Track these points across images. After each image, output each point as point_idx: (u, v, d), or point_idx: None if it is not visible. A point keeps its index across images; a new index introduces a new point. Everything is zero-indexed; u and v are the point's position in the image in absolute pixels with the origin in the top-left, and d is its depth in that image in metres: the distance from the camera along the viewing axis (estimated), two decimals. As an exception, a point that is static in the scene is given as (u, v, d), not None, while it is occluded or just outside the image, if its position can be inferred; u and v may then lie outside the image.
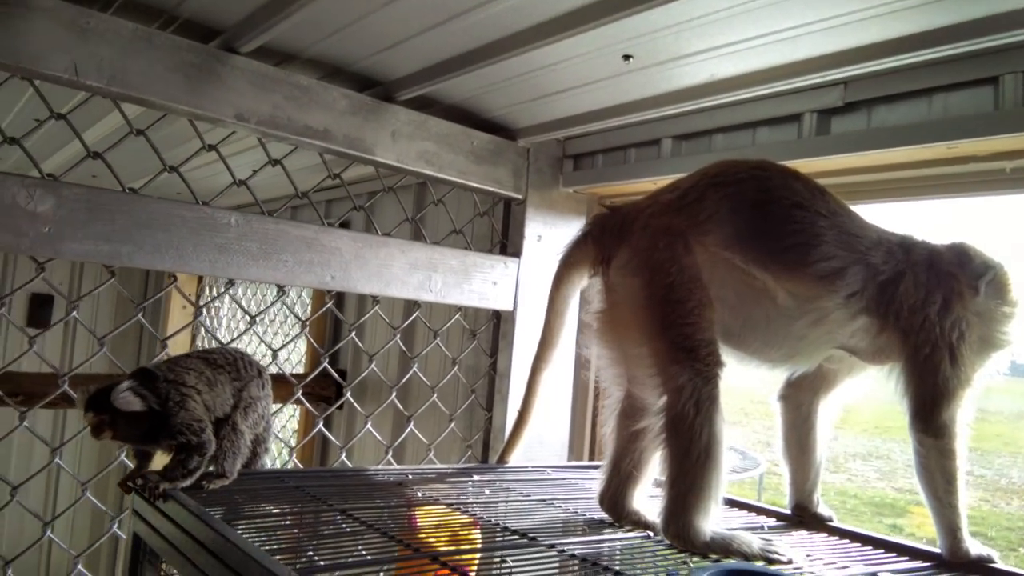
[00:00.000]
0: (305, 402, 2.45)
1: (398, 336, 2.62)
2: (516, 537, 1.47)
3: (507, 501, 1.77)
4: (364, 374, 2.61)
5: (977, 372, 1.57)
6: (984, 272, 1.59)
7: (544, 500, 1.80)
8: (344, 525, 1.44)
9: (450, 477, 1.96)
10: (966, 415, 1.55)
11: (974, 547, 1.52)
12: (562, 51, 1.98)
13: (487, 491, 1.85)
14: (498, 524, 1.53)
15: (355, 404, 2.57)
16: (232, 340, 4.98)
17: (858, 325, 1.59)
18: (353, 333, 2.58)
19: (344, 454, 2.51)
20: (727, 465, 1.49)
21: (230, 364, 1.76)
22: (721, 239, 1.57)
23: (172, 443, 1.60)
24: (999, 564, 1.52)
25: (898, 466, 14.49)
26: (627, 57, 1.98)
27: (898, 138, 1.86)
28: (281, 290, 2.39)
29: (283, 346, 2.67)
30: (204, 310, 5.45)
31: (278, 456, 4.02)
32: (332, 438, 2.66)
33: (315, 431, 2.61)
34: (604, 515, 1.69)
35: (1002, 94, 1.70)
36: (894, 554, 1.60)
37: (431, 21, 1.93)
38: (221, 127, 2.14)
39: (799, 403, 1.80)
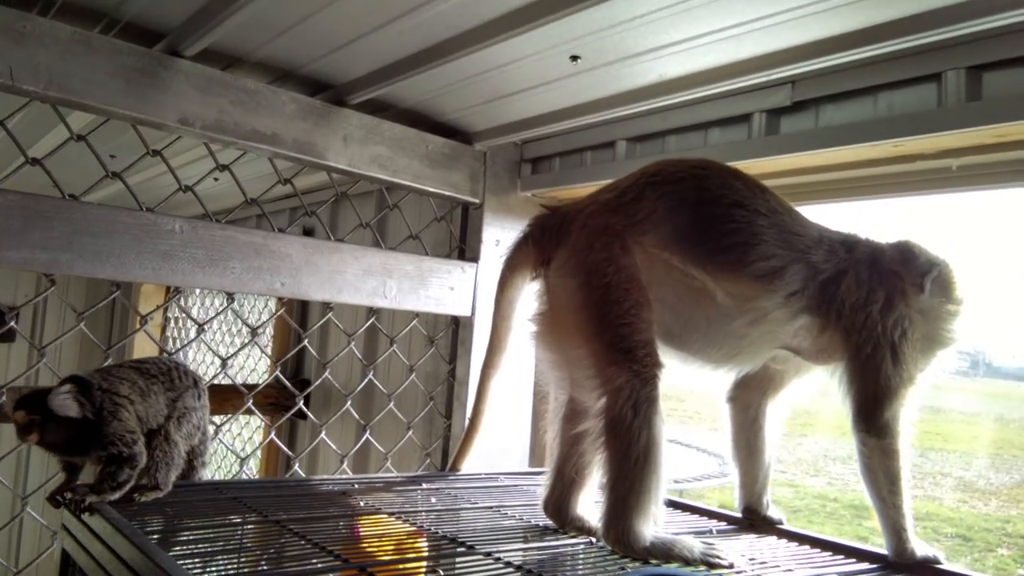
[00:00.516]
0: (257, 411, 2.40)
1: (353, 343, 2.58)
2: (454, 546, 1.44)
3: (453, 509, 1.74)
4: (318, 383, 2.57)
5: (921, 371, 1.56)
6: (928, 269, 1.58)
7: (491, 507, 1.77)
8: (281, 538, 1.40)
9: (398, 486, 1.93)
10: (910, 414, 1.53)
11: (920, 548, 1.50)
12: (510, 51, 1.96)
13: (433, 499, 1.82)
14: (437, 532, 1.50)
15: (309, 413, 2.53)
16: (178, 350, 4.92)
17: (799, 324, 1.57)
18: (307, 340, 2.54)
19: (297, 464, 2.47)
20: (667, 468, 1.46)
21: (164, 374, 1.72)
22: (659, 239, 1.55)
23: (102, 454, 1.55)
24: (945, 565, 1.51)
25: (879, 469, 14.56)
26: (575, 58, 1.96)
27: (845, 137, 1.85)
28: (230, 297, 2.35)
29: (232, 355, 2.62)
30: (173, 320, 5.40)
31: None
32: (284, 448, 2.61)
33: (266, 440, 2.57)
34: (550, 522, 1.66)
35: (945, 91, 1.69)
36: (842, 556, 1.59)
37: (377, 21, 1.90)
38: (165, 132, 2.10)
39: (747, 404, 1.78)
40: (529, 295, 1.74)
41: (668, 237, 1.55)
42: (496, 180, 2.69)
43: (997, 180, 1.84)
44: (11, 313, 2.18)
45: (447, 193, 2.59)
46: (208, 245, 2.11)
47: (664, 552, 1.43)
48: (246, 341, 4.10)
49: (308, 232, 3.61)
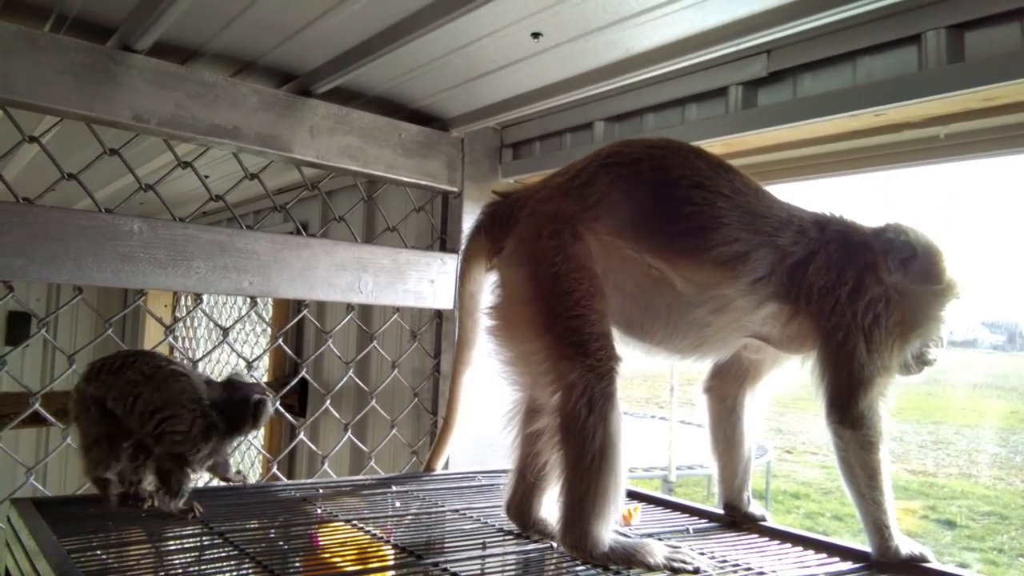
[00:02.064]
0: (286, 413, 2.33)
1: (331, 341, 2.51)
2: (403, 555, 1.36)
3: (415, 513, 1.66)
4: (294, 382, 2.50)
5: (900, 357, 1.45)
6: (906, 251, 1.47)
7: (457, 510, 1.70)
8: (218, 551, 1.34)
9: (365, 489, 1.86)
10: (887, 403, 1.43)
11: (905, 545, 1.40)
12: (469, 30, 1.87)
13: (397, 503, 1.74)
14: (387, 540, 1.43)
15: (285, 414, 2.47)
16: (201, 357, 4.91)
17: (767, 312, 1.47)
18: (281, 339, 2.48)
19: (275, 467, 2.41)
20: (625, 467, 1.37)
21: None
22: (613, 225, 1.45)
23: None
24: (933, 564, 1.40)
25: (911, 447, 14.32)
26: (536, 35, 1.87)
27: (824, 107, 1.74)
28: (253, 301, 2.31)
29: (258, 357, 2.56)
30: (182, 323, 5.39)
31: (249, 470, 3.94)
32: (261, 451, 2.56)
33: (296, 442, 2.50)
34: (513, 525, 1.58)
35: (925, 53, 1.58)
36: (824, 555, 1.50)
37: (323, 5, 1.82)
38: (119, 130, 2.04)
39: (724, 396, 1.68)
40: (488, 287, 1.65)
41: (622, 222, 1.45)
42: (475, 167, 2.60)
43: (989, 148, 1.71)
44: (42, 320, 2.14)
45: (423, 182, 2.50)
46: (169, 245, 2.05)
47: (624, 558, 1.34)
48: (256, 342, 4.08)
49: (303, 227, 3.55)
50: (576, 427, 1.34)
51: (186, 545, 1.37)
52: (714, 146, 1.99)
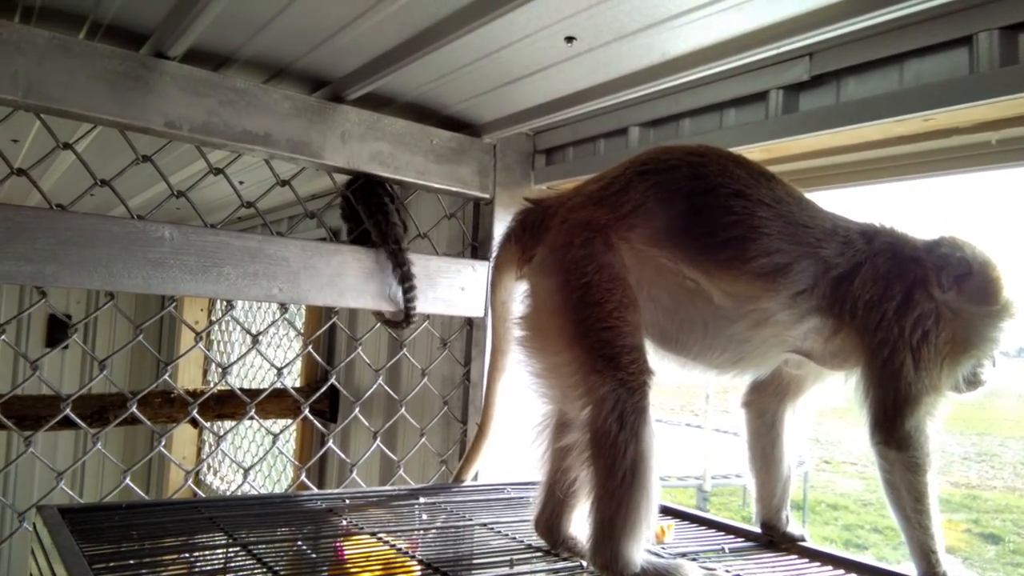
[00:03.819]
0: (314, 419, 2.32)
1: (360, 348, 2.49)
2: (429, 571, 1.33)
3: (442, 527, 1.63)
4: (324, 388, 2.48)
5: (949, 377, 1.38)
6: (960, 268, 1.40)
7: (485, 524, 1.66)
8: (241, 562, 1.31)
9: (392, 500, 1.83)
10: (936, 424, 1.36)
11: (953, 571, 1.33)
12: (501, 34, 1.83)
13: (424, 516, 1.71)
14: (413, 555, 1.39)
15: (315, 421, 2.45)
16: (231, 364, 4.93)
17: (809, 326, 1.41)
18: (311, 346, 2.46)
19: (304, 474, 2.39)
20: (658, 484, 1.32)
21: None
22: (648, 234, 1.41)
23: None
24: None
25: (954, 459, 14.00)
26: (570, 39, 1.83)
27: (869, 112, 1.67)
28: (283, 307, 2.32)
29: (288, 363, 2.56)
30: (217, 328, 5.43)
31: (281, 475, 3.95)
32: (288, 457, 2.54)
33: (324, 449, 2.47)
34: (542, 541, 1.54)
35: (977, 56, 1.51)
36: (867, 579, 1.43)
37: (350, 12, 1.80)
38: (152, 136, 2.04)
39: (763, 411, 1.62)
40: (519, 296, 1.61)
41: (658, 231, 1.41)
42: (507, 174, 2.56)
43: (1044, 153, 1.64)
44: (73, 326, 2.15)
45: (455, 189, 2.47)
46: (200, 252, 2.04)
47: None
48: (288, 348, 4.08)
49: (336, 235, 3.54)
50: (607, 443, 1.30)
51: (208, 556, 1.34)
52: (753, 152, 1.93)
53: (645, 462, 1.30)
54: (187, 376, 5.03)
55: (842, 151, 1.89)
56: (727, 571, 1.38)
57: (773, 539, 1.62)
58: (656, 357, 1.47)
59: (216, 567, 1.31)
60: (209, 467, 4.68)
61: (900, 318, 1.36)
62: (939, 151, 1.76)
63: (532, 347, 1.45)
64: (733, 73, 1.93)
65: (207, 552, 1.38)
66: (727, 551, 1.56)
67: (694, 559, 1.48)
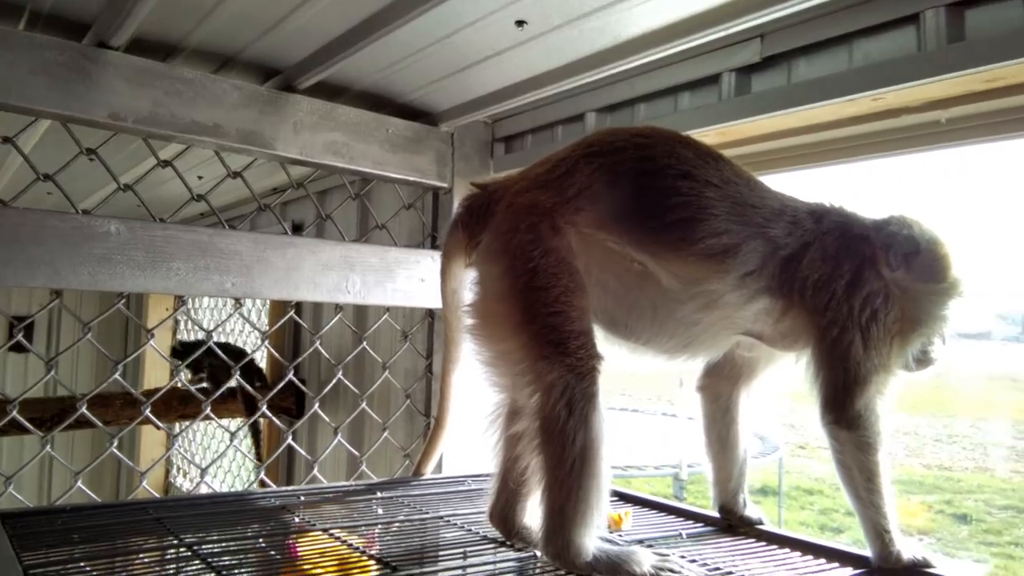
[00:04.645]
0: (272, 417, 2.28)
1: (318, 342, 2.45)
2: (378, 567, 1.30)
3: (397, 521, 1.60)
4: (281, 384, 2.44)
5: (899, 355, 1.38)
6: (908, 246, 1.39)
7: (442, 517, 1.63)
8: (185, 566, 1.28)
9: (349, 496, 1.80)
10: (887, 403, 1.36)
11: (907, 550, 1.33)
12: (451, 17, 1.80)
13: (380, 510, 1.68)
14: (365, 551, 1.37)
15: (273, 419, 2.41)
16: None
17: (758, 308, 1.40)
18: (268, 341, 2.42)
19: (265, 473, 2.35)
20: (609, 471, 1.30)
21: None
22: (594, 217, 1.38)
23: None
24: (936, 569, 1.33)
25: (926, 441, 14.16)
26: (520, 23, 1.81)
27: (820, 92, 1.67)
28: (238, 303, 2.30)
29: (245, 361, 2.51)
30: (182, 324, 5.35)
31: (240, 469, 3.89)
32: (246, 454, 2.50)
33: (283, 447, 2.43)
34: (497, 532, 1.52)
35: (924, 34, 1.51)
36: (823, 560, 1.43)
37: (296, -4, 1.77)
38: (96, 129, 1.99)
39: (717, 395, 1.61)
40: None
41: (604, 215, 1.38)
42: (466, 162, 2.54)
43: (992, 132, 1.64)
44: (19, 326, 2.09)
45: (413, 178, 2.44)
46: (148, 246, 1.99)
47: (609, 567, 1.27)
48: (247, 343, 4.03)
49: (297, 229, 3.49)
50: (556, 430, 1.28)
51: (148, 560, 1.30)
52: (708, 135, 1.92)
53: (595, 449, 1.28)
54: (154, 376, 4.95)
55: (795, 133, 1.88)
56: (682, 556, 1.37)
57: (731, 523, 1.62)
58: (606, 343, 1.45)
59: (160, 569, 1.28)
60: (179, 469, 4.62)
61: (849, 297, 1.35)
62: (890, 131, 1.75)
63: (481, 335, 1.43)
64: (686, 56, 1.92)
65: (151, 554, 1.34)
66: (684, 536, 1.55)
67: (650, 545, 1.46)
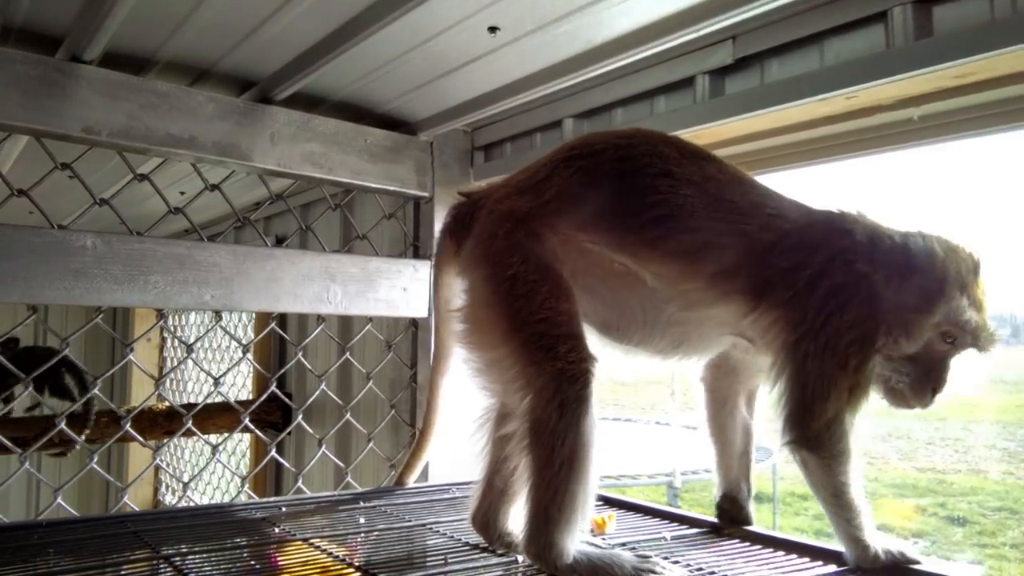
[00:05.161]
0: (255, 429, 2.26)
1: (300, 353, 2.44)
2: (359, 574, 1.29)
3: (379, 530, 1.59)
4: (263, 397, 2.43)
5: (872, 366, 1.32)
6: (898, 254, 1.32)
7: (424, 525, 1.62)
8: None
9: (332, 506, 1.79)
10: (859, 420, 1.32)
11: (884, 549, 1.31)
12: (424, 25, 1.80)
13: (362, 520, 1.67)
14: (344, 560, 1.35)
15: (258, 432, 2.40)
16: (169, 371, 4.83)
17: (733, 308, 1.37)
18: (259, 357, 2.41)
19: (249, 486, 2.34)
20: (596, 475, 1.30)
21: None
22: (574, 220, 1.38)
23: None
24: (921, 566, 1.32)
25: (919, 445, 14.18)
26: (493, 29, 1.81)
27: (792, 92, 1.68)
28: (218, 316, 2.28)
29: (223, 373, 2.49)
30: (169, 341, 5.32)
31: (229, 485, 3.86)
32: (229, 468, 2.48)
33: (267, 459, 2.41)
34: (471, 538, 1.51)
35: (892, 30, 1.52)
36: (807, 559, 1.42)
37: (271, 2, 1.76)
38: (70, 143, 1.98)
39: (716, 389, 1.61)
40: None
41: (584, 217, 1.38)
42: (446, 171, 2.54)
43: (965, 128, 1.65)
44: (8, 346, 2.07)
45: (393, 188, 2.44)
46: (125, 260, 1.98)
47: (590, 570, 1.27)
48: (235, 359, 4.01)
49: (280, 242, 3.48)
50: (545, 431, 1.27)
51: (125, 573, 1.29)
52: (684, 138, 1.93)
53: (583, 452, 1.27)
54: (141, 393, 4.91)
55: (770, 134, 1.89)
56: (665, 558, 1.36)
57: (730, 513, 1.60)
58: (601, 346, 1.44)
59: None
60: (167, 487, 4.58)
61: (813, 298, 1.30)
62: (864, 130, 1.76)
63: (471, 342, 1.42)
64: (660, 60, 1.92)
65: (128, 567, 1.32)
66: (668, 539, 1.54)
67: (633, 548, 1.45)
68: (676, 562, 1.37)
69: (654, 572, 1.27)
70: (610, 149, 1.43)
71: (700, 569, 1.35)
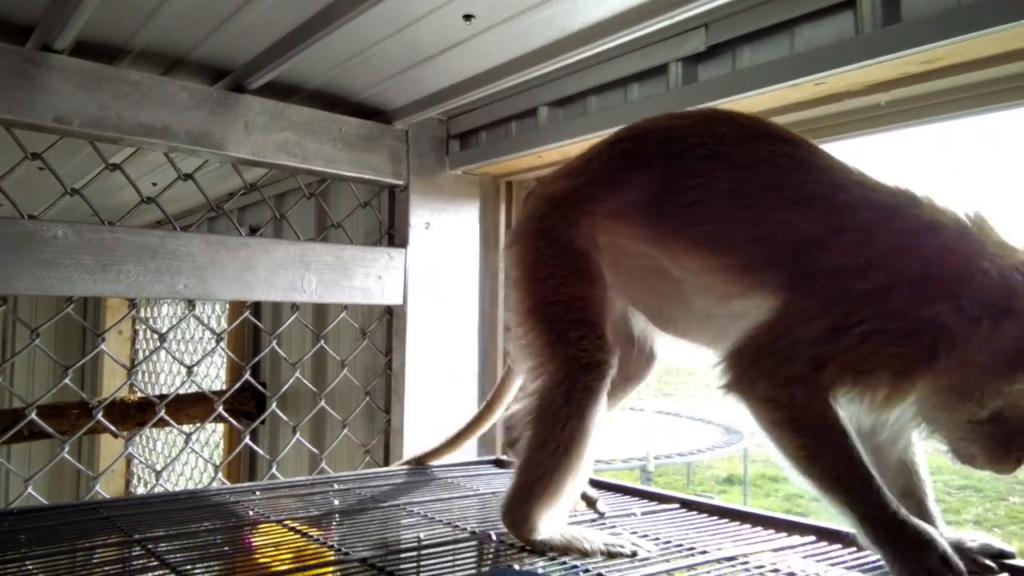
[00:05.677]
0: (229, 418, 2.26)
1: (275, 342, 2.44)
2: (333, 552, 1.30)
3: (354, 510, 1.60)
4: (236, 386, 2.43)
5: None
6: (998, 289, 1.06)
7: (399, 505, 1.66)
8: (137, 563, 1.27)
9: (306, 489, 1.79)
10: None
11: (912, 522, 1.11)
12: (400, 12, 1.80)
13: (336, 501, 1.68)
14: (317, 539, 1.36)
15: (229, 419, 2.39)
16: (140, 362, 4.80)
17: (760, 302, 1.22)
18: (232, 345, 2.40)
19: (222, 473, 2.33)
20: (588, 468, 1.32)
21: None
22: (614, 206, 1.34)
23: None
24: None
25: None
26: (468, 17, 1.81)
27: (763, 78, 1.70)
28: (191, 305, 2.28)
29: (197, 363, 2.47)
30: (141, 333, 5.27)
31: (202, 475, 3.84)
32: (203, 457, 2.48)
33: (240, 447, 2.41)
34: (453, 516, 1.52)
35: (861, 17, 1.54)
36: (772, 530, 1.45)
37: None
38: (41, 133, 1.96)
39: None
40: None
41: (616, 204, 1.34)
42: (421, 160, 2.54)
43: (932, 113, 1.67)
44: None
45: (368, 176, 2.44)
46: (97, 250, 1.97)
47: (563, 545, 1.30)
48: (208, 349, 3.99)
49: (253, 232, 3.46)
50: (548, 413, 1.29)
51: (98, 560, 1.28)
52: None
53: (581, 440, 1.28)
54: (112, 384, 4.86)
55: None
56: (634, 532, 1.38)
57: (687, 503, 1.63)
58: (660, 336, 1.45)
59: (110, 568, 1.26)
60: (139, 479, 4.55)
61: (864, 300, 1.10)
62: (834, 116, 1.79)
63: (511, 315, 1.44)
64: (633, 47, 1.94)
65: (102, 552, 1.32)
66: (639, 514, 1.57)
67: (603, 524, 1.48)
68: (645, 535, 1.39)
69: (622, 545, 1.29)
70: (659, 131, 1.38)
71: (668, 542, 1.38)
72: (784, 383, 1.12)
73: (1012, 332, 1.03)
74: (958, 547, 1.15)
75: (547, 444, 1.29)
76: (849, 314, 1.09)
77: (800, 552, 1.31)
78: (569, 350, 1.30)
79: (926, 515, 1.24)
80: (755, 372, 1.15)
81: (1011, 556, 1.17)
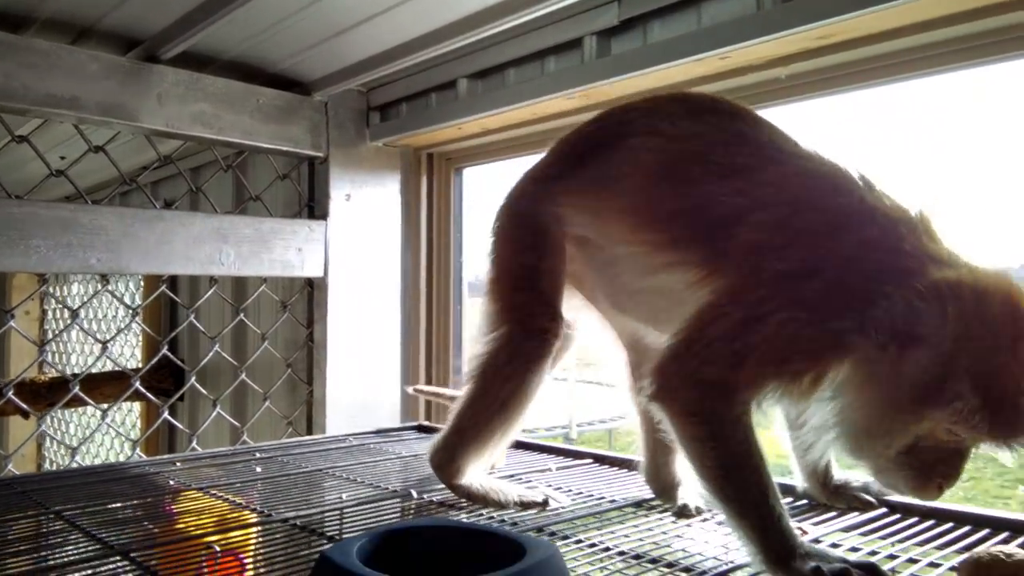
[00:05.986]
0: (149, 395, 2.22)
1: (192, 316, 2.42)
2: (257, 516, 1.32)
3: (275, 476, 1.62)
4: (154, 361, 2.40)
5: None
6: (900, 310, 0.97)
7: (321, 470, 1.69)
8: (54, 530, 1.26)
9: (228, 459, 1.80)
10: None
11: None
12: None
13: (258, 468, 1.70)
14: (239, 503, 1.39)
15: (147, 394, 2.37)
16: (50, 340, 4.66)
17: (680, 277, 1.17)
18: (148, 321, 2.37)
19: (137, 449, 2.31)
20: (519, 428, 1.37)
21: None
22: (571, 184, 1.36)
23: None
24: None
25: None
26: (387, -14, 1.82)
27: (672, 52, 1.77)
28: (104, 280, 2.21)
29: (111, 339, 2.43)
30: (50, 312, 5.10)
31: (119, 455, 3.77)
32: (121, 432, 2.45)
33: (157, 423, 2.38)
34: (376, 480, 1.56)
35: (762, -6, 1.62)
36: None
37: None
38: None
39: None
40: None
41: (578, 181, 1.35)
42: (342, 131, 2.54)
43: (828, 86, 1.77)
44: None
45: (286, 148, 2.42)
46: (4, 224, 1.92)
47: (481, 495, 1.37)
48: (122, 325, 3.90)
49: (167, 205, 3.39)
50: (491, 370, 1.34)
51: (14, 536, 1.26)
52: (574, 97, 2.01)
53: (520, 402, 1.32)
54: (20, 364, 4.69)
55: (653, 94, 1.97)
56: (548, 485, 1.45)
57: (598, 458, 1.71)
58: (623, 326, 1.44)
59: (30, 543, 1.26)
60: (51, 462, 4.43)
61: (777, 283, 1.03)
62: (737, 89, 1.86)
63: None
64: (550, 20, 1.98)
65: (19, 528, 1.31)
66: (554, 470, 1.64)
67: (520, 479, 1.55)
68: (559, 488, 1.46)
69: (534, 497, 1.36)
70: (622, 111, 1.39)
71: (580, 493, 1.45)
72: (705, 393, 1.05)
73: (920, 363, 0.95)
74: (844, 486, 1.29)
75: (484, 397, 1.35)
76: (763, 300, 1.03)
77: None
78: (513, 315, 1.35)
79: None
80: (677, 380, 1.08)
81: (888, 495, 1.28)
